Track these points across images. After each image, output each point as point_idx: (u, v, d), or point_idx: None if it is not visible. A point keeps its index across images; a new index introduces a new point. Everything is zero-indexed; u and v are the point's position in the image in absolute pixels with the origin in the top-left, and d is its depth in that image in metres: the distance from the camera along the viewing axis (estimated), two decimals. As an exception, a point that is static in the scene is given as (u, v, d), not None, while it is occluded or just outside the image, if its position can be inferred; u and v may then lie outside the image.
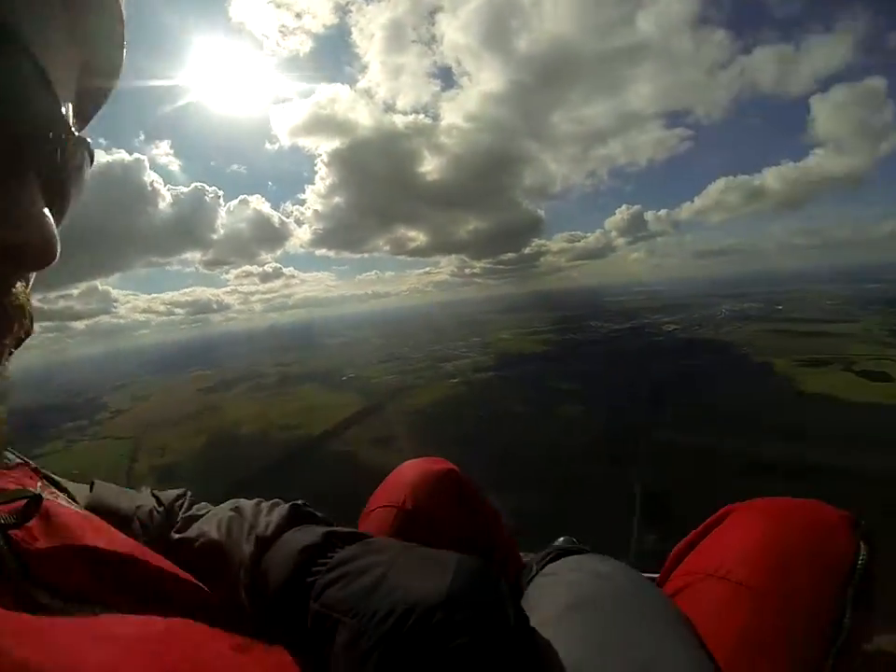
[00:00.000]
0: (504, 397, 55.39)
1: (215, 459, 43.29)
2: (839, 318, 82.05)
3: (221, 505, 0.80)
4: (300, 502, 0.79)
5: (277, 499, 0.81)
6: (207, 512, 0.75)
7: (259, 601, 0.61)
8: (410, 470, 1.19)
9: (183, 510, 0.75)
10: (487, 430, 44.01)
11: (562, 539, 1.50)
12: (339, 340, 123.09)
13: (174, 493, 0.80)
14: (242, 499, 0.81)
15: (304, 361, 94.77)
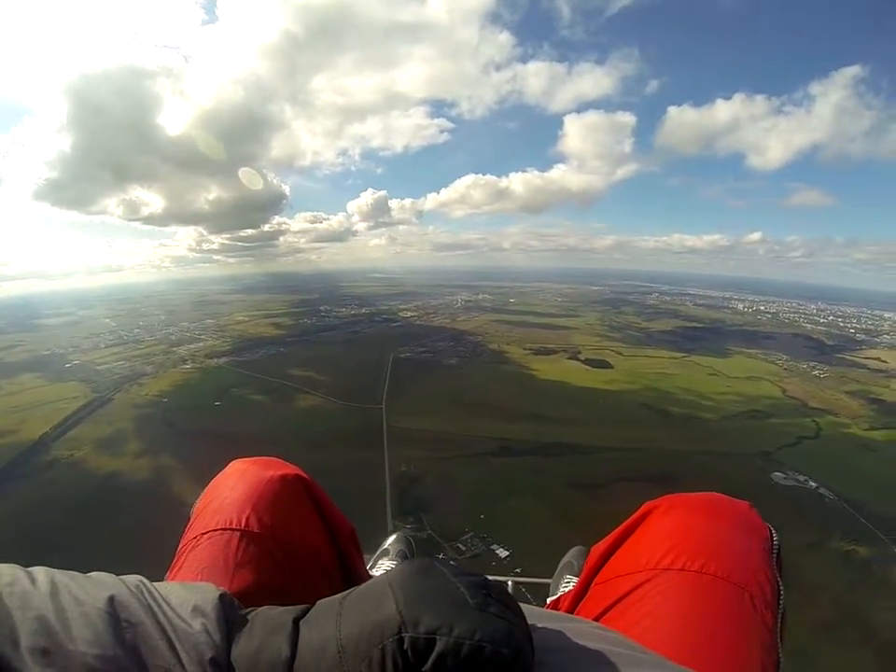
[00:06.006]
0: (240, 384, 55.92)
1: None
2: (564, 314, 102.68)
3: (43, 582, 0.51)
4: (222, 592, 0.62)
5: (179, 589, 0.62)
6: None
7: None
8: (246, 479, 0.98)
9: None
10: (225, 422, 44.14)
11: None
12: (64, 319, 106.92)
13: None
14: (104, 579, 0.58)
15: (21, 345, 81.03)
